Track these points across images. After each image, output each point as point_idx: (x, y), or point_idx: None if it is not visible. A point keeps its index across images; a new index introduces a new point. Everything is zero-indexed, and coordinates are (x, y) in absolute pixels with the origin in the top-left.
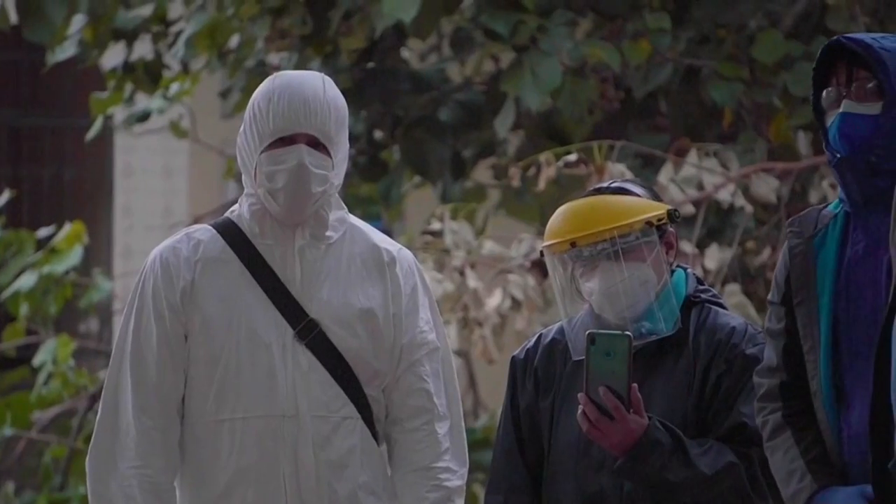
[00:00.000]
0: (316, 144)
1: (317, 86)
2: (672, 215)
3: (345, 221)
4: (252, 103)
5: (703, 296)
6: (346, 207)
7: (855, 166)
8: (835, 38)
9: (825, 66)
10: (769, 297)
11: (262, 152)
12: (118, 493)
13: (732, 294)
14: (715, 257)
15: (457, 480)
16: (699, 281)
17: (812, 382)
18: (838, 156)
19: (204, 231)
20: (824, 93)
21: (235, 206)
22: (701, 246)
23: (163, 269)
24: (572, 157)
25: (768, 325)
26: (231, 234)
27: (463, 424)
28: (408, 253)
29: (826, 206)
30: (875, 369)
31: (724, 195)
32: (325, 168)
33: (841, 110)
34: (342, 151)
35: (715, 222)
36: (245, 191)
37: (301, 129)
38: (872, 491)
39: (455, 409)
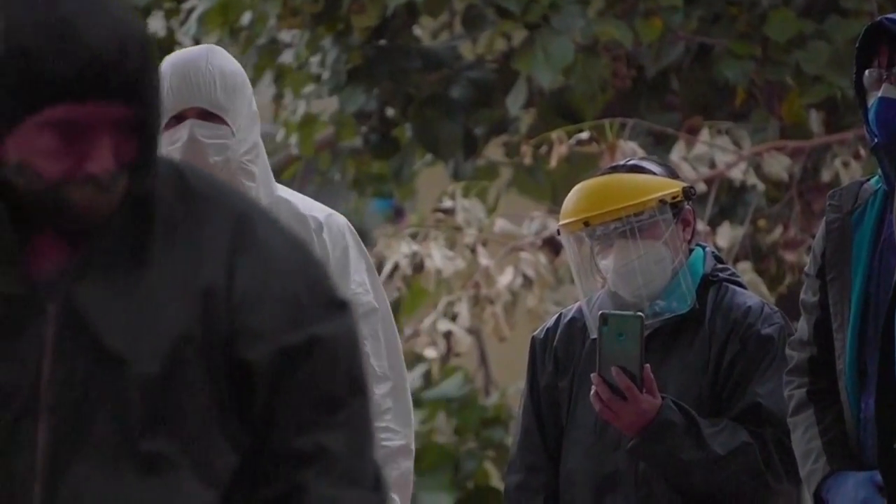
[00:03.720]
0: (207, 115)
1: (200, 58)
2: (688, 193)
3: (271, 194)
4: None
5: (721, 274)
6: (273, 179)
7: (892, 152)
8: (878, 19)
9: (868, 46)
10: (806, 268)
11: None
12: None
13: (744, 272)
14: (727, 235)
15: (398, 440)
16: (718, 259)
17: (838, 361)
18: (876, 140)
19: None
20: (866, 73)
21: None
22: (713, 224)
23: None
24: (584, 136)
25: (803, 297)
26: None
27: (407, 385)
28: (339, 218)
29: (869, 180)
30: (881, 352)
31: (736, 173)
32: (221, 137)
33: (880, 94)
34: (243, 117)
35: (727, 201)
36: None
37: (187, 104)
38: (880, 473)
39: (397, 371)
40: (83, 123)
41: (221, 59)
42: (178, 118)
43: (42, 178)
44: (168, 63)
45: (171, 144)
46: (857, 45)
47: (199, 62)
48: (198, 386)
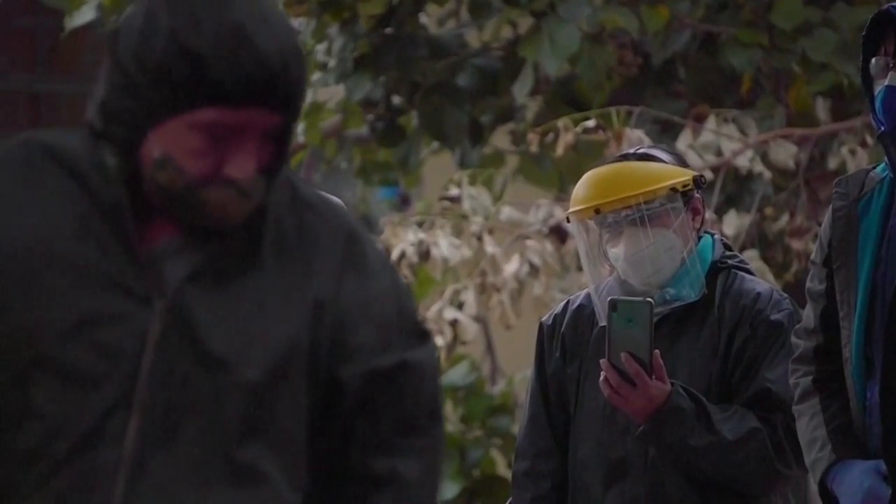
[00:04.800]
0: None
1: None
2: (698, 181)
3: None
4: None
5: (729, 262)
6: None
7: None
8: (884, 7)
9: (875, 34)
10: (812, 256)
11: None
12: None
13: (751, 260)
14: (733, 223)
15: None
16: (727, 247)
17: (844, 349)
18: (882, 128)
19: None
20: (873, 61)
21: None
22: (719, 212)
23: None
24: (590, 124)
25: (810, 285)
26: None
27: None
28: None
29: (875, 168)
30: (887, 340)
31: (743, 161)
32: None
33: (886, 83)
34: None
35: (733, 189)
36: None
37: None
38: (885, 462)
39: None
40: (233, 127)
41: None
42: None
43: (184, 175)
44: None
45: None
46: (863, 33)
47: None
48: (297, 397)
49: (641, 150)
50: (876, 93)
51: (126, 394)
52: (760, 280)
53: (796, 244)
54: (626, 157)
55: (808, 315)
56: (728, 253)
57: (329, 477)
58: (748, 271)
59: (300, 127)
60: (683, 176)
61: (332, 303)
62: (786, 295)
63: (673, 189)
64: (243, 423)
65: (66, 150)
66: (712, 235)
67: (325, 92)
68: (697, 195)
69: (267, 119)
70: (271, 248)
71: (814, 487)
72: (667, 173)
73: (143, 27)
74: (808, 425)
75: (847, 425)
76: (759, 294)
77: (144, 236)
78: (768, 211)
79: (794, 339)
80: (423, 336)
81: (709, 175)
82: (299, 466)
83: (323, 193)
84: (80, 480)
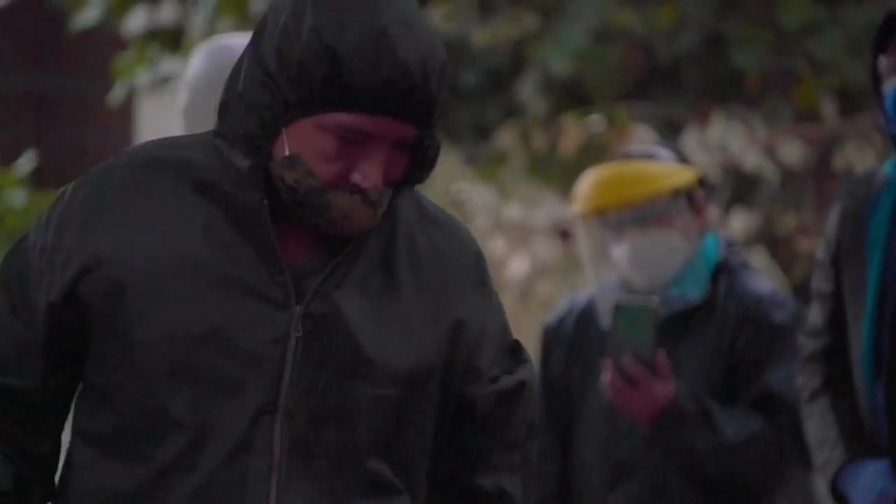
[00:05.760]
0: None
1: None
2: (701, 180)
3: None
4: (203, 73)
5: (733, 261)
6: None
7: None
8: (894, 7)
9: (884, 34)
10: (819, 255)
11: None
12: None
13: (758, 256)
14: (741, 221)
15: None
16: (730, 245)
17: (854, 350)
18: (892, 128)
19: None
20: (882, 60)
21: None
22: (727, 210)
23: None
24: (596, 121)
25: (816, 284)
26: None
27: None
28: None
29: (882, 167)
30: (892, 340)
31: (750, 159)
32: None
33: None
34: None
35: (741, 187)
36: None
37: None
38: (889, 461)
39: None
40: (365, 134)
41: None
42: None
43: (314, 177)
44: (229, 55)
45: None
46: (874, 32)
47: None
48: (427, 414)
49: (644, 149)
50: (885, 92)
51: (271, 400)
52: (764, 280)
53: (804, 242)
54: (629, 157)
55: (815, 314)
56: (732, 251)
57: (434, 494)
58: (752, 270)
59: None
60: (687, 175)
61: (467, 323)
62: (789, 295)
63: (676, 189)
64: (378, 435)
65: (185, 160)
66: (716, 234)
67: None
68: (701, 194)
69: (400, 130)
70: (406, 264)
71: (819, 488)
72: (670, 173)
73: (287, 22)
74: (819, 425)
75: (858, 425)
76: (762, 294)
77: (282, 239)
78: (776, 209)
79: (800, 339)
80: (524, 353)
81: (716, 173)
82: (421, 483)
83: (446, 212)
84: (233, 488)
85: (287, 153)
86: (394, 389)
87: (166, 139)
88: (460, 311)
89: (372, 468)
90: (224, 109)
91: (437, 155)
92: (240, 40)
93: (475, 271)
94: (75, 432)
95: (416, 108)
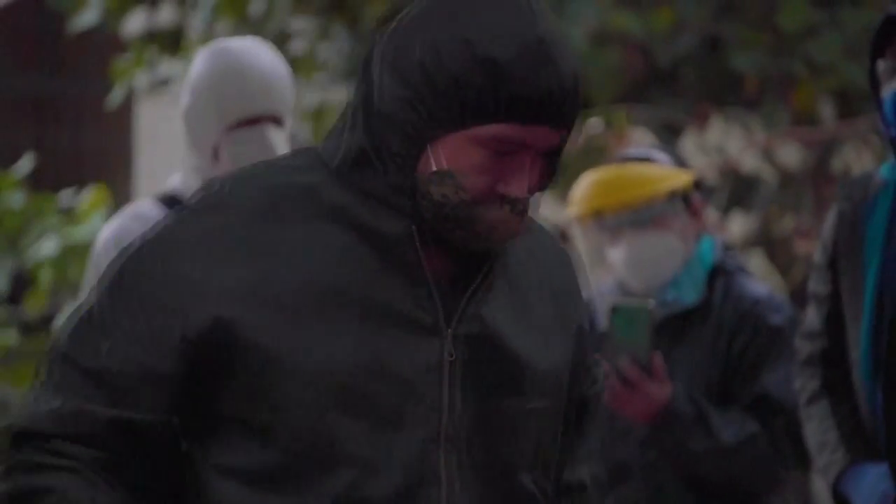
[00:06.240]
0: (277, 121)
1: (270, 60)
2: (697, 183)
3: None
4: (202, 76)
5: (729, 264)
6: None
7: None
8: (892, 9)
9: (882, 37)
10: (815, 258)
11: (223, 132)
12: None
13: (757, 259)
14: (739, 223)
15: None
16: (727, 248)
17: (853, 352)
18: (891, 132)
19: (150, 207)
20: (880, 64)
21: (178, 179)
22: (726, 213)
23: (114, 248)
24: (595, 124)
25: (813, 287)
26: (174, 205)
27: None
28: None
29: (880, 170)
30: (890, 342)
31: (749, 161)
32: (284, 143)
33: (894, 87)
34: (289, 125)
35: (739, 189)
36: (192, 164)
37: (266, 111)
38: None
39: None
40: (518, 144)
41: (283, 63)
42: (249, 121)
43: (465, 190)
44: (235, 60)
45: (239, 145)
46: (873, 35)
47: (273, 67)
48: (559, 421)
49: (642, 152)
50: (884, 96)
51: (433, 428)
52: (761, 283)
53: (802, 245)
54: (626, 159)
55: (812, 317)
56: (728, 254)
57: None
58: (748, 273)
59: (307, 128)
60: (683, 178)
61: (583, 327)
62: (785, 298)
63: (673, 191)
64: (529, 448)
65: (309, 185)
66: (712, 237)
67: (331, 93)
68: (697, 197)
69: (549, 138)
70: (519, 273)
71: (816, 490)
72: (667, 176)
73: (430, 36)
74: (819, 428)
75: (859, 428)
76: (758, 298)
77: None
78: (774, 212)
79: (797, 342)
80: None
81: (714, 175)
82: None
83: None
84: None
85: (434, 168)
86: (543, 401)
87: (268, 164)
88: (579, 315)
89: (523, 482)
90: (351, 129)
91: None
92: (241, 43)
93: (574, 272)
94: (210, 468)
95: (566, 117)
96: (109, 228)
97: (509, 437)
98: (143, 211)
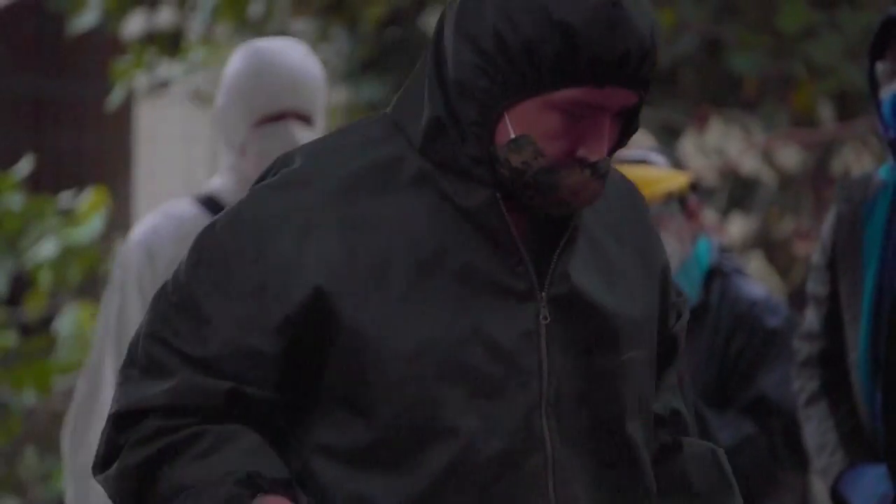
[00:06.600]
0: (304, 118)
1: (300, 58)
2: (694, 185)
3: None
4: (233, 75)
5: (726, 265)
6: None
7: None
8: (890, 11)
9: (881, 39)
10: (814, 258)
11: (250, 128)
12: (88, 474)
13: (756, 261)
14: (738, 225)
15: None
16: (723, 250)
17: (852, 353)
18: (890, 133)
19: (186, 206)
20: (879, 66)
21: (218, 179)
22: (725, 214)
23: (146, 248)
24: None
25: (812, 288)
26: (213, 207)
27: None
28: None
29: (879, 171)
30: (889, 344)
31: (748, 163)
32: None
33: (894, 89)
34: (321, 121)
35: (739, 191)
36: (227, 163)
37: (291, 107)
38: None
39: None
40: (597, 108)
41: (313, 61)
42: (274, 116)
43: (544, 156)
44: (264, 58)
45: (264, 140)
46: (872, 37)
47: (299, 64)
48: (653, 365)
49: (638, 154)
50: (882, 98)
51: (535, 394)
52: (758, 285)
53: (802, 247)
54: (623, 162)
55: (811, 318)
56: (724, 256)
57: None
58: (745, 275)
59: None
60: (680, 180)
61: (667, 267)
62: (782, 300)
63: (669, 193)
64: (628, 401)
65: (391, 156)
66: (709, 239)
67: (331, 94)
68: (694, 199)
69: (626, 99)
70: (594, 221)
71: (815, 491)
72: (663, 177)
73: (502, 4)
74: (818, 430)
75: (858, 429)
76: (755, 299)
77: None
78: (773, 213)
79: (796, 343)
80: None
81: (714, 177)
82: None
83: None
84: (514, 490)
85: (513, 135)
86: (637, 351)
87: (342, 137)
88: (661, 256)
89: (626, 435)
90: (429, 99)
91: (638, 121)
92: (273, 42)
93: (645, 210)
94: (312, 449)
95: (643, 76)
96: (142, 228)
97: (608, 392)
98: (177, 210)
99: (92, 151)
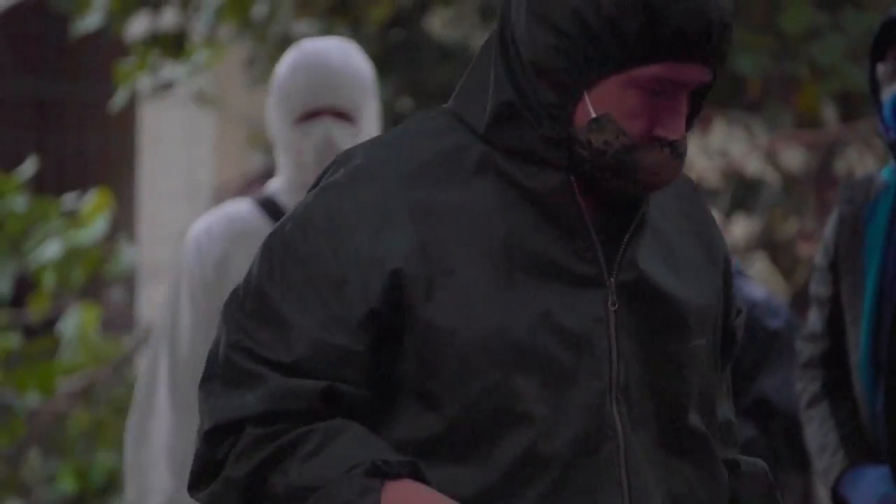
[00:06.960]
0: (340, 115)
1: (339, 57)
2: (697, 186)
3: None
4: (278, 75)
5: None
6: None
7: None
8: (891, 12)
9: (882, 40)
10: (817, 260)
11: (290, 126)
12: (148, 470)
13: (759, 262)
14: (742, 226)
15: None
16: None
17: (853, 355)
18: (891, 135)
19: (242, 206)
20: (880, 67)
21: (276, 181)
22: (728, 215)
23: (196, 247)
24: None
25: (815, 289)
26: (270, 208)
27: None
28: None
29: (881, 173)
30: (891, 346)
31: (752, 164)
32: (352, 137)
33: (894, 90)
34: (369, 116)
35: (742, 192)
36: (280, 164)
37: (326, 104)
38: (890, 466)
39: None
40: (674, 84)
41: (357, 59)
42: (312, 114)
43: (623, 136)
44: (304, 57)
45: (302, 138)
46: (873, 39)
47: (338, 62)
48: (714, 356)
49: None
50: (883, 99)
51: (605, 381)
52: (759, 286)
53: (805, 248)
54: None
55: (814, 320)
56: None
57: None
58: (746, 277)
59: None
60: None
61: (728, 257)
62: (783, 302)
63: None
64: (694, 388)
65: (454, 145)
66: None
67: None
68: None
69: (701, 75)
70: (657, 209)
71: (817, 494)
72: None
73: None
74: (819, 431)
75: (858, 430)
76: (756, 301)
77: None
78: (777, 215)
79: (799, 344)
80: None
81: (717, 178)
82: (717, 427)
83: None
84: (589, 478)
85: (594, 115)
86: (701, 339)
87: (401, 132)
88: (723, 247)
89: (692, 422)
90: (495, 85)
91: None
92: (319, 42)
93: (704, 200)
94: (390, 444)
95: (716, 51)
96: (197, 226)
97: (676, 379)
98: (232, 210)
99: (95, 153)
